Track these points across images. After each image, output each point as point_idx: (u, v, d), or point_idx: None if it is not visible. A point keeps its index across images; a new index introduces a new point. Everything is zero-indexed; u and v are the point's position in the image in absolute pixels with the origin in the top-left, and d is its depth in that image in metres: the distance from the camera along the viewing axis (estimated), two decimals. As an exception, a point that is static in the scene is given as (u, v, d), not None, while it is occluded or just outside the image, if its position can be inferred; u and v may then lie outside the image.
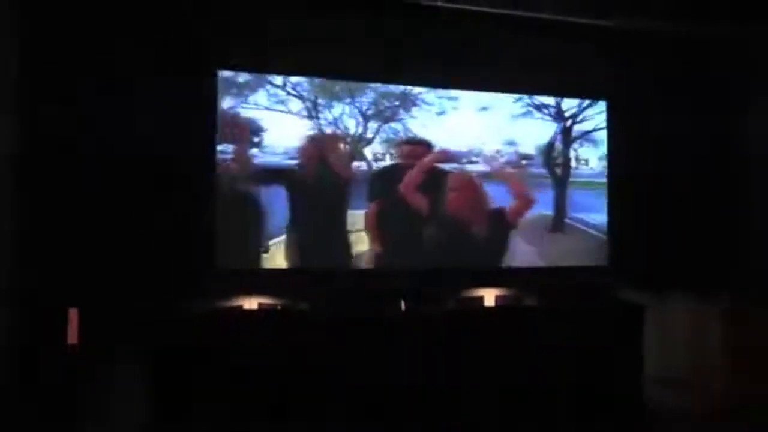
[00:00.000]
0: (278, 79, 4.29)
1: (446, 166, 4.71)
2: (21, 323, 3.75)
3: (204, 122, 4.10)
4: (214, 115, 4.14)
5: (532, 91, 4.85)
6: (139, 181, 3.97)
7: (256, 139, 4.24)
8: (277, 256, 4.33)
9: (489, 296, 4.65)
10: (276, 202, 4.29)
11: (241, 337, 3.82)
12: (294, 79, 4.31)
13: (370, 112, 4.52)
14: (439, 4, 4.23)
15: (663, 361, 4.87)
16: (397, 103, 4.60)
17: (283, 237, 4.32)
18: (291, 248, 4.33)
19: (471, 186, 4.76)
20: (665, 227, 4.88)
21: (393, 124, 4.60)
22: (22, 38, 3.65)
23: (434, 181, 4.65)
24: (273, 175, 4.27)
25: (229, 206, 4.19)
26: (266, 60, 4.22)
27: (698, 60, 4.90)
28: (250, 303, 4.23)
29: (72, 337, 3.96)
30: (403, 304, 4.32)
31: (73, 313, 3.96)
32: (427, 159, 4.64)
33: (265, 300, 4.24)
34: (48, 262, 3.82)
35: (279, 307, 4.23)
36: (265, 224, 4.27)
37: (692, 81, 4.91)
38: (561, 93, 4.88)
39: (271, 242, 4.31)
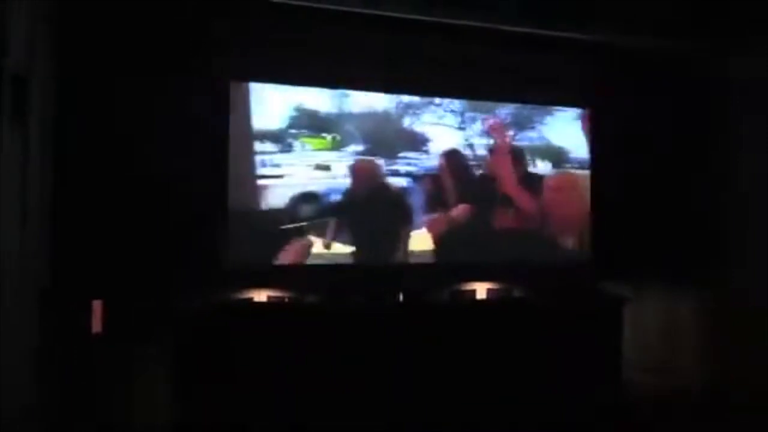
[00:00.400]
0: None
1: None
2: (51, 314, 4.03)
3: (220, 130, 4.42)
4: (227, 123, 4.46)
5: (520, 100, 5.15)
6: (161, 187, 4.28)
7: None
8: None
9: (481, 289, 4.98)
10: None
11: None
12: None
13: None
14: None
15: (643, 349, 5.15)
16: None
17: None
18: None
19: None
20: (646, 226, 5.14)
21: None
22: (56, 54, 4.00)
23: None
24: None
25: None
26: (278, 71, 4.56)
27: (675, 69, 5.18)
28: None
29: (96, 326, 4.32)
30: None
31: (96, 305, 4.32)
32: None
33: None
34: (77, 259, 4.11)
35: (286, 299, 4.57)
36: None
37: (670, 88, 5.18)
38: (547, 102, 5.19)
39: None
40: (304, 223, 4.58)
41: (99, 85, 4.15)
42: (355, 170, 4.69)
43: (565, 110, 5.22)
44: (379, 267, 4.76)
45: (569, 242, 5.19)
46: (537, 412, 4.32)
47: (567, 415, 4.32)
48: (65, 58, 3.99)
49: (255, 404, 4.12)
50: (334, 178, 4.65)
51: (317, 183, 4.61)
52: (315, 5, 4.23)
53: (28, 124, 3.46)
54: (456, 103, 4.99)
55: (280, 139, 4.55)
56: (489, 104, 5.07)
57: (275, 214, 4.54)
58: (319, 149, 4.63)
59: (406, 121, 4.90)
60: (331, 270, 4.64)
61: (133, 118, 4.21)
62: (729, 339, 4.77)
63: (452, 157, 4.95)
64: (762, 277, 4.54)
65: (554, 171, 5.17)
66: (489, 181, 5.03)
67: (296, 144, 4.58)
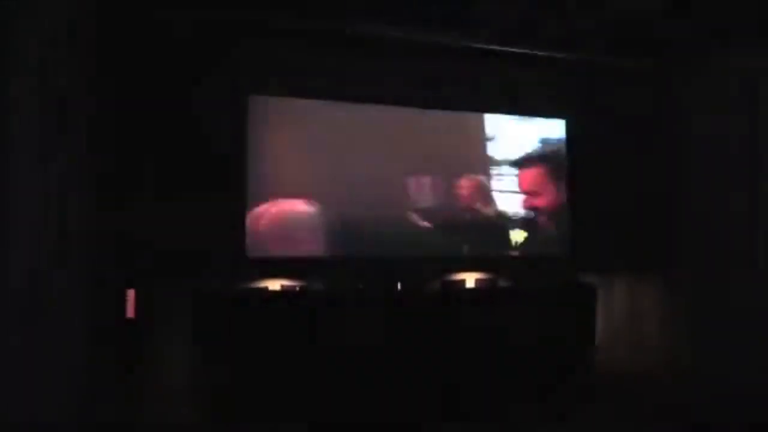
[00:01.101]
0: None
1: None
2: (95, 301, 4.50)
3: (240, 138, 4.98)
4: (246, 131, 5.01)
5: (507, 111, 5.73)
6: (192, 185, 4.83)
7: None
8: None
9: (470, 279, 5.57)
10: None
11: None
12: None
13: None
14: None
15: (609, 330, 5.75)
16: None
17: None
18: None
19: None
20: (613, 226, 5.75)
21: None
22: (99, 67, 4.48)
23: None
24: None
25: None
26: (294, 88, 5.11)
27: (639, 84, 5.81)
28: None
29: (130, 312, 4.80)
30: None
31: (130, 293, 4.81)
32: None
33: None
34: (116, 255, 4.62)
35: (298, 288, 5.11)
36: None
37: (635, 100, 5.79)
38: (529, 113, 5.77)
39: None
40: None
41: (134, 102, 4.69)
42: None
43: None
44: (381, 259, 5.31)
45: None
46: (519, 382, 4.89)
47: (545, 386, 4.89)
48: (106, 79, 4.51)
49: (271, 378, 4.60)
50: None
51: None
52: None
53: (70, 137, 3.91)
54: None
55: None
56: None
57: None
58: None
59: None
60: (341, 262, 5.21)
61: (166, 131, 4.76)
62: (682, 321, 5.38)
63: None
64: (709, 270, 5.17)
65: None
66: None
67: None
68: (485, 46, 5.22)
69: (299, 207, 5.13)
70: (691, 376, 4.99)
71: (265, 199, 5.06)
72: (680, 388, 4.96)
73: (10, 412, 2.95)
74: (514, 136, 5.71)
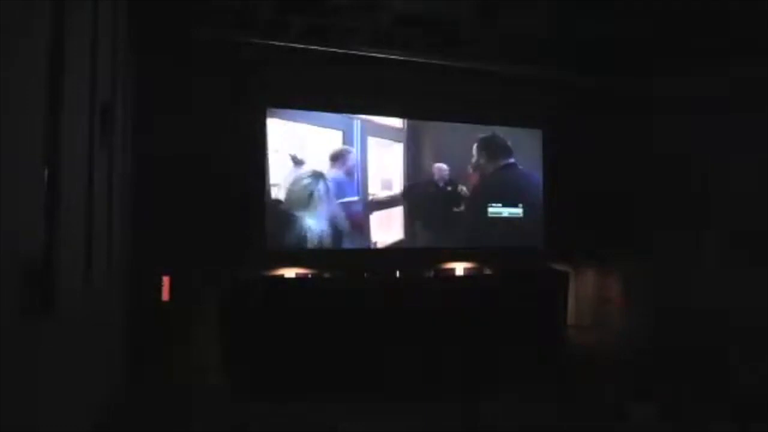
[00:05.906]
0: None
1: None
2: (132, 288, 5.17)
3: (260, 144, 5.73)
4: (265, 138, 5.75)
5: (491, 122, 6.49)
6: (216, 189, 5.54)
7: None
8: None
9: (459, 268, 6.31)
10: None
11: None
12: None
13: None
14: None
15: (578, 312, 6.47)
16: None
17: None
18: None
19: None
20: (582, 222, 6.50)
21: None
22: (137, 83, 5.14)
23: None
24: None
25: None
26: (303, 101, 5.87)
27: (604, 101, 6.55)
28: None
29: (165, 295, 5.52)
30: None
31: (165, 279, 5.52)
32: None
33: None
34: (151, 245, 5.28)
35: (310, 275, 5.84)
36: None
37: (602, 114, 6.55)
38: (509, 124, 6.53)
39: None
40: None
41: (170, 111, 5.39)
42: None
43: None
44: (382, 250, 6.05)
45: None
46: (501, 356, 5.53)
47: (523, 359, 5.44)
48: (142, 90, 5.20)
49: (288, 353, 5.12)
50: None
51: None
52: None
53: (112, 141, 4.35)
54: None
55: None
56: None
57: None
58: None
59: None
60: (346, 253, 5.94)
61: (195, 138, 5.42)
62: (643, 304, 6.04)
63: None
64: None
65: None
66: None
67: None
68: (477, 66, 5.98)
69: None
70: (647, 349, 5.65)
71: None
72: (638, 359, 5.54)
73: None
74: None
